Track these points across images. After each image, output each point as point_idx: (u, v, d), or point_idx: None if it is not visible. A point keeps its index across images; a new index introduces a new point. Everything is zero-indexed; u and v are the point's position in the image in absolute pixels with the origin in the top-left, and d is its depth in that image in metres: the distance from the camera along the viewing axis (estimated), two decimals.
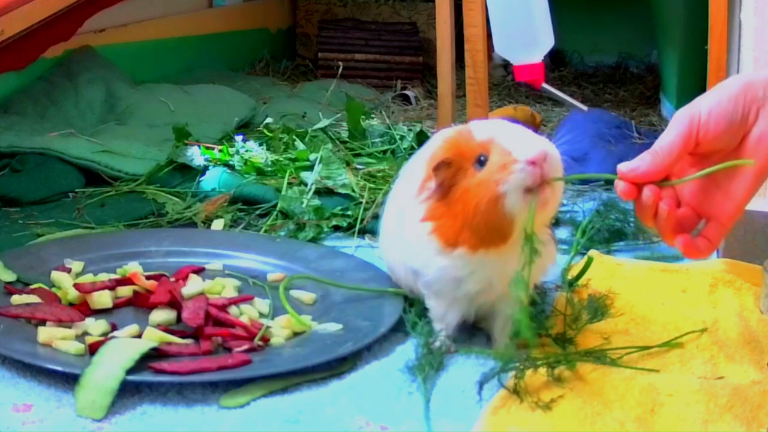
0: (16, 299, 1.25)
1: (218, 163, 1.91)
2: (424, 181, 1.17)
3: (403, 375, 1.13)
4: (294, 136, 2.05)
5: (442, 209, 1.14)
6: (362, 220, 1.67)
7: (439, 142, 1.19)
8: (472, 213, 1.11)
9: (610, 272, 1.46)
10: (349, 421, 1.03)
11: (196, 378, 1.08)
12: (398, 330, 1.24)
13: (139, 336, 1.17)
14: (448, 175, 1.13)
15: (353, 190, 1.77)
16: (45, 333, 1.15)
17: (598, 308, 1.27)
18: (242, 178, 1.82)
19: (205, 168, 1.89)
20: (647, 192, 1.04)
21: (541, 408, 1.05)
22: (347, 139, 2.12)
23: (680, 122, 1.04)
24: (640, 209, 1.05)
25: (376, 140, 2.12)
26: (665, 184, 1.05)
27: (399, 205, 1.28)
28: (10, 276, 1.32)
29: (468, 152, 1.13)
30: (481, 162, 1.11)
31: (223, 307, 1.27)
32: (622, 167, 1.04)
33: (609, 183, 2.01)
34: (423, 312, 1.23)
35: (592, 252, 1.48)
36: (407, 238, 1.20)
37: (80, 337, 1.17)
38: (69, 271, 1.36)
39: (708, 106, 1.03)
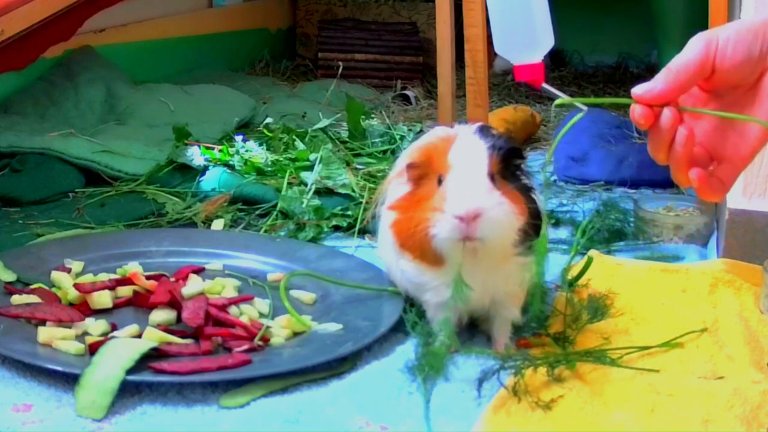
0: (16, 299, 1.25)
1: (218, 163, 1.91)
2: (400, 172, 1.20)
3: (403, 375, 1.13)
4: (294, 136, 2.05)
5: (406, 204, 1.18)
6: (362, 220, 1.67)
7: (423, 141, 1.22)
8: (413, 230, 1.14)
9: (610, 272, 1.46)
10: (349, 421, 1.03)
11: (196, 378, 1.08)
12: (398, 330, 1.24)
13: (139, 336, 1.17)
14: (414, 176, 1.17)
15: (353, 190, 1.77)
16: (45, 333, 1.15)
17: (598, 308, 1.27)
18: (242, 178, 1.82)
19: (205, 168, 1.89)
20: (667, 113, 0.98)
21: (541, 408, 1.05)
22: (347, 139, 2.12)
23: (696, 44, 0.99)
24: (656, 137, 0.99)
25: (376, 140, 2.12)
26: (683, 109, 0.99)
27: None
28: (10, 276, 1.32)
29: (436, 164, 1.15)
30: (440, 181, 1.13)
31: (223, 307, 1.27)
32: (637, 90, 0.99)
33: (608, 183, 2.02)
34: (423, 312, 1.23)
35: (592, 252, 1.48)
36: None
37: (80, 337, 1.17)
38: (69, 271, 1.36)
39: (726, 34, 0.98)
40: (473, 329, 1.27)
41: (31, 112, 2.18)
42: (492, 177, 1.12)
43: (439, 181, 1.13)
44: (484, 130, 1.19)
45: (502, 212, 1.10)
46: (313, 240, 1.61)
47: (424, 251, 1.14)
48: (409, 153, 1.27)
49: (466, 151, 1.13)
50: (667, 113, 0.98)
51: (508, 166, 1.16)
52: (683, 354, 1.20)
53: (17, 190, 1.76)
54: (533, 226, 1.14)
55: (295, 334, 1.24)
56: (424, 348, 1.15)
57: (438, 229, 1.10)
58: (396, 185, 1.27)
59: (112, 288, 1.30)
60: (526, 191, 1.17)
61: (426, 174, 1.16)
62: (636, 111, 0.99)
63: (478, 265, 1.12)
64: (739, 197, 1.50)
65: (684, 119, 1.00)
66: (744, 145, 1.00)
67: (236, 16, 3.32)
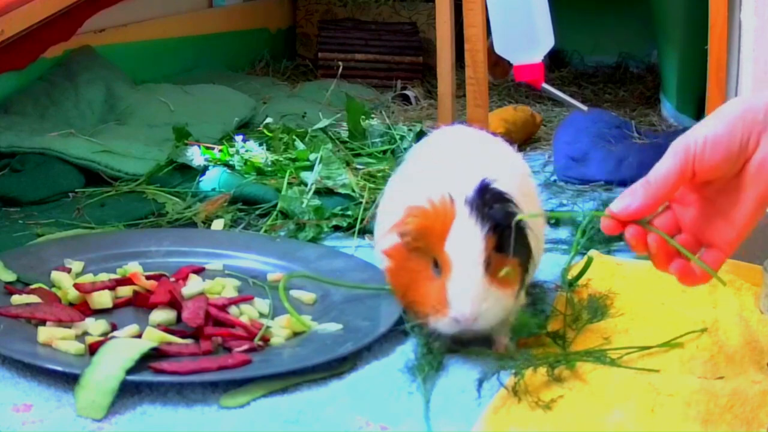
0: (16, 299, 1.25)
1: (218, 163, 1.91)
2: (398, 224, 1.16)
3: (403, 375, 1.13)
4: (294, 136, 2.05)
5: (399, 256, 1.16)
6: (362, 220, 1.67)
7: (417, 206, 1.14)
8: (409, 303, 1.16)
9: (610, 272, 1.46)
10: (349, 421, 1.03)
11: (196, 378, 1.08)
12: (398, 330, 1.24)
13: (139, 336, 1.17)
14: (407, 245, 1.15)
15: (353, 190, 1.77)
16: (45, 333, 1.15)
17: (598, 308, 1.27)
18: (242, 178, 1.82)
19: (205, 168, 1.89)
20: (629, 233, 1.02)
21: (541, 408, 1.05)
22: (347, 139, 2.12)
23: (675, 153, 1.01)
24: (630, 243, 1.03)
25: (376, 140, 2.12)
26: (648, 228, 1.02)
27: (391, 204, 1.29)
28: (10, 276, 1.32)
29: (432, 246, 1.12)
30: (436, 265, 1.13)
31: (223, 307, 1.27)
32: (613, 207, 1.02)
33: (608, 183, 2.02)
34: None
35: (592, 252, 1.48)
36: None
37: (80, 337, 1.17)
38: (69, 271, 1.36)
39: (704, 136, 0.99)
40: None
41: (31, 112, 2.18)
42: (488, 261, 1.11)
43: (435, 264, 1.12)
44: (481, 202, 1.13)
45: (499, 307, 1.13)
46: (313, 240, 1.61)
47: (419, 316, 1.16)
48: (419, 158, 1.24)
49: (464, 247, 1.10)
50: (629, 233, 1.02)
51: (502, 236, 1.13)
52: (683, 354, 1.20)
53: (17, 190, 1.76)
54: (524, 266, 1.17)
55: (295, 334, 1.24)
56: (423, 348, 1.16)
57: (440, 326, 1.13)
58: (396, 186, 1.27)
59: (112, 288, 1.30)
60: (519, 244, 1.15)
61: (419, 248, 1.14)
62: (604, 223, 1.03)
63: None
64: None
65: (671, 206, 1.04)
66: (730, 232, 1.02)
67: (236, 16, 3.32)
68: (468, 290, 1.10)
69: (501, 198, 1.14)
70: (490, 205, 1.13)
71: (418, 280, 1.14)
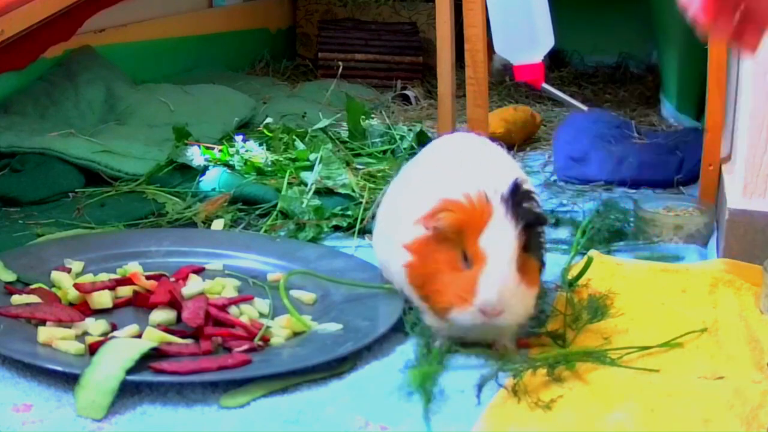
0: (16, 299, 1.25)
1: (218, 163, 1.91)
2: (427, 216, 1.17)
3: (403, 375, 1.13)
4: (294, 136, 2.05)
5: (424, 249, 1.17)
6: (362, 220, 1.67)
7: (453, 200, 1.16)
8: (430, 296, 1.16)
9: (610, 272, 1.46)
10: (349, 421, 1.03)
11: (196, 378, 1.08)
12: (398, 330, 1.24)
13: (139, 336, 1.17)
14: (437, 235, 1.16)
15: (353, 190, 1.77)
16: (45, 333, 1.15)
17: (598, 308, 1.27)
18: (242, 178, 1.82)
19: (205, 168, 1.89)
20: None
21: (541, 408, 1.05)
22: (347, 139, 2.12)
23: None
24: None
25: (376, 140, 2.12)
26: None
27: (395, 206, 1.29)
28: (10, 276, 1.32)
29: (466, 240, 1.14)
30: (466, 258, 1.14)
31: (223, 307, 1.27)
32: None
33: (608, 183, 2.02)
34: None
35: (592, 252, 1.48)
36: (396, 241, 1.22)
37: (80, 337, 1.17)
38: (69, 271, 1.36)
39: None
40: None
41: (31, 112, 2.18)
42: (517, 260, 1.13)
43: (465, 258, 1.14)
44: (514, 201, 1.15)
45: (524, 304, 1.14)
46: (313, 240, 1.61)
47: (437, 313, 1.17)
48: (427, 163, 1.26)
49: (499, 243, 1.13)
50: None
51: (530, 236, 1.16)
52: (683, 354, 1.21)
53: (17, 190, 1.76)
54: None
55: (295, 334, 1.24)
56: (423, 348, 1.16)
57: (461, 316, 1.13)
58: (403, 195, 1.28)
59: (112, 288, 1.30)
60: (538, 248, 1.19)
61: (450, 239, 1.15)
62: None
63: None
64: (739, 197, 1.50)
65: None
66: None
67: (236, 16, 3.32)
68: (499, 282, 1.11)
69: (530, 197, 1.18)
70: (521, 204, 1.16)
71: (445, 271, 1.15)
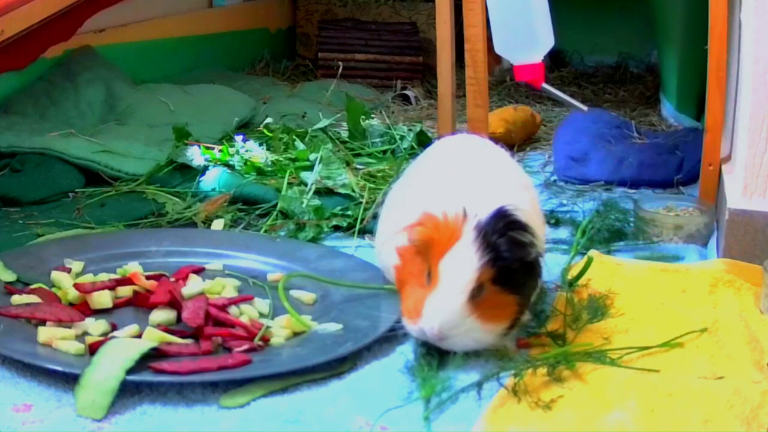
0: (16, 299, 1.25)
1: (218, 163, 1.91)
2: (409, 227, 1.18)
3: (403, 375, 1.13)
4: (294, 136, 2.05)
5: (405, 256, 1.19)
6: (362, 220, 1.67)
7: (430, 215, 1.15)
8: (401, 299, 1.18)
9: (610, 272, 1.46)
10: (349, 421, 1.03)
11: (196, 378, 1.08)
12: (398, 330, 1.24)
13: (139, 336, 1.17)
14: (412, 249, 1.17)
15: (353, 190, 1.77)
16: (45, 333, 1.15)
17: (598, 308, 1.27)
18: (242, 178, 1.82)
19: (205, 168, 1.89)
20: None
21: (541, 408, 1.05)
22: (347, 139, 2.12)
23: None
24: None
25: (376, 140, 2.12)
26: None
27: (395, 209, 1.30)
28: (10, 276, 1.32)
29: (430, 256, 1.13)
30: (429, 276, 1.14)
31: (223, 307, 1.27)
32: None
33: (608, 183, 2.02)
34: None
35: (592, 252, 1.48)
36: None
37: (80, 337, 1.17)
38: (69, 271, 1.36)
39: None
40: None
41: (31, 112, 2.18)
42: (480, 288, 1.11)
43: (429, 276, 1.13)
44: (491, 230, 1.11)
45: (472, 338, 1.13)
46: (313, 240, 1.61)
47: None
48: (429, 164, 1.26)
49: (455, 269, 1.11)
50: None
51: (505, 270, 1.12)
52: (683, 354, 1.20)
53: (17, 190, 1.76)
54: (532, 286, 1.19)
55: (295, 334, 1.24)
56: (423, 348, 1.16)
57: (411, 330, 1.15)
58: (399, 190, 1.29)
59: (112, 288, 1.30)
60: (529, 279, 1.17)
61: (422, 253, 1.15)
62: None
63: None
64: (739, 197, 1.50)
65: None
66: None
67: (236, 16, 3.32)
68: (442, 311, 1.10)
69: (516, 227, 1.12)
70: (502, 233, 1.11)
71: (412, 282, 1.16)
